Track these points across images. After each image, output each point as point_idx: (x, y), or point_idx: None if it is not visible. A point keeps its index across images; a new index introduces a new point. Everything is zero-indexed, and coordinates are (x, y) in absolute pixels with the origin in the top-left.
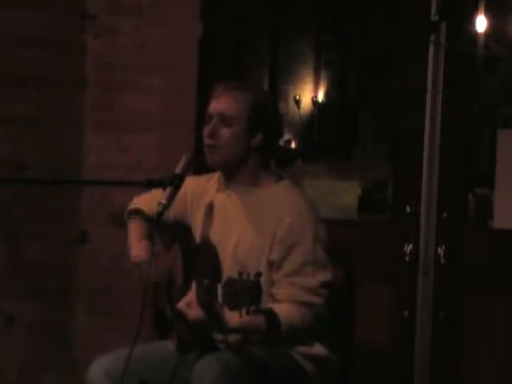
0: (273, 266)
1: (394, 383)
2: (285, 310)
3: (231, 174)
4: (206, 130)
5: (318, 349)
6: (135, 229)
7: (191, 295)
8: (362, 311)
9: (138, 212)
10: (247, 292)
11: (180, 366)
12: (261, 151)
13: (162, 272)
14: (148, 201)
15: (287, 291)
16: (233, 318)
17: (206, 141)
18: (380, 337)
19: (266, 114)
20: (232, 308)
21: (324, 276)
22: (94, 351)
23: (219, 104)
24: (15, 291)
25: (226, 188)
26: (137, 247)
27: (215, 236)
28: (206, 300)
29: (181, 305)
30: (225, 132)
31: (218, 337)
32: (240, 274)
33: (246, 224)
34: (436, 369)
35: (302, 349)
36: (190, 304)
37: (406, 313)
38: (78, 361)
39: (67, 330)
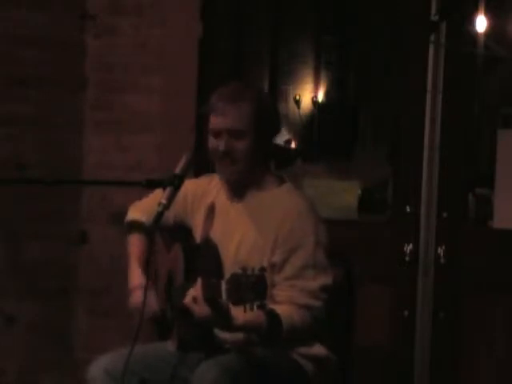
0: (274, 267)
1: (394, 383)
2: (285, 311)
3: (235, 178)
4: (220, 146)
5: (318, 349)
6: (135, 250)
7: (197, 292)
8: (361, 311)
9: (137, 225)
10: (252, 287)
11: (180, 366)
12: (264, 151)
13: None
14: (147, 207)
15: (287, 293)
16: (238, 315)
17: (223, 158)
18: (380, 337)
19: (269, 116)
20: (236, 303)
21: (324, 279)
22: (94, 351)
23: (224, 119)
24: (15, 291)
25: (227, 189)
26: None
27: (216, 236)
28: (212, 297)
29: (187, 301)
30: (238, 145)
31: (220, 335)
32: (244, 269)
33: (247, 225)
34: (436, 369)
35: (302, 349)
36: (196, 301)
37: (406, 313)
38: (78, 361)
39: (67, 330)
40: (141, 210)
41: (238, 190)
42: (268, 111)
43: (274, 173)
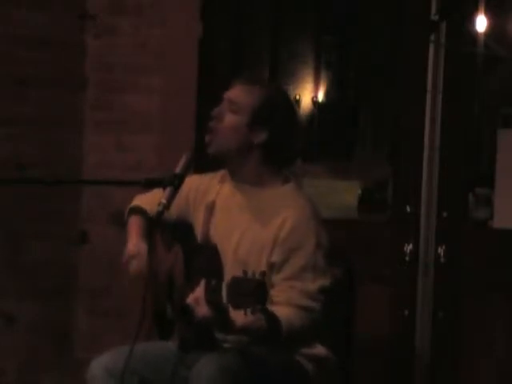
0: (273, 267)
1: (394, 383)
2: (284, 313)
3: (234, 171)
4: (214, 111)
5: (318, 349)
6: (135, 224)
7: (199, 292)
8: (362, 311)
9: (139, 210)
10: (252, 291)
11: (180, 365)
12: (264, 150)
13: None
14: (148, 201)
15: (286, 294)
16: (238, 318)
17: (210, 123)
18: (380, 336)
19: (274, 114)
20: (237, 307)
21: (323, 282)
22: (94, 351)
23: (232, 91)
24: (15, 291)
25: (230, 186)
26: (135, 242)
27: (217, 234)
28: (214, 299)
29: (190, 300)
30: (229, 117)
31: (220, 336)
32: (245, 272)
33: (248, 223)
34: (436, 369)
35: (303, 349)
36: (198, 301)
37: (406, 312)
38: (78, 361)
39: (67, 330)
40: (143, 202)
41: (239, 187)
42: (274, 110)
43: (278, 172)
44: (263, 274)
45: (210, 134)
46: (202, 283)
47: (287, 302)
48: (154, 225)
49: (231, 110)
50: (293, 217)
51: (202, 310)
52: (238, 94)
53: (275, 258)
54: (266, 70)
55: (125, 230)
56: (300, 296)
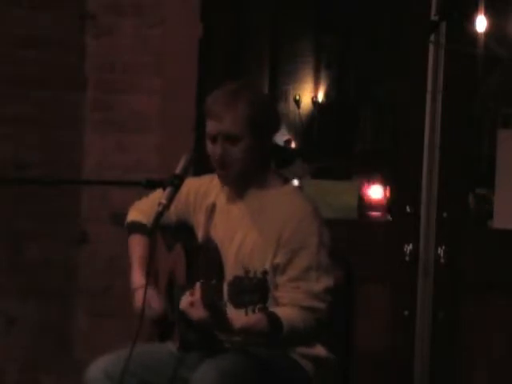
0: (277, 269)
1: (394, 383)
2: (288, 314)
3: None
4: (215, 155)
5: (319, 349)
6: (138, 253)
7: (195, 295)
8: (362, 311)
9: (138, 226)
10: (254, 290)
11: (180, 367)
12: (263, 153)
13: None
14: (147, 208)
15: (291, 295)
16: (238, 319)
17: (219, 163)
18: (380, 337)
19: (266, 116)
20: (238, 306)
21: (328, 281)
22: (94, 351)
23: (220, 124)
24: (15, 291)
25: (230, 189)
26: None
27: (218, 236)
28: (212, 300)
29: (183, 305)
30: (234, 152)
31: (221, 336)
32: (246, 271)
33: (249, 225)
34: (436, 369)
35: (303, 349)
36: (193, 304)
37: (406, 312)
38: (78, 361)
39: (67, 331)
40: (141, 211)
41: (239, 189)
42: (265, 112)
43: (277, 172)
44: (265, 272)
45: (226, 174)
46: (198, 286)
47: (292, 303)
48: (154, 225)
49: (232, 143)
50: (295, 217)
51: (198, 313)
52: (227, 125)
53: (279, 259)
54: (265, 70)
55: (125, 231)
56: (305, 296)
